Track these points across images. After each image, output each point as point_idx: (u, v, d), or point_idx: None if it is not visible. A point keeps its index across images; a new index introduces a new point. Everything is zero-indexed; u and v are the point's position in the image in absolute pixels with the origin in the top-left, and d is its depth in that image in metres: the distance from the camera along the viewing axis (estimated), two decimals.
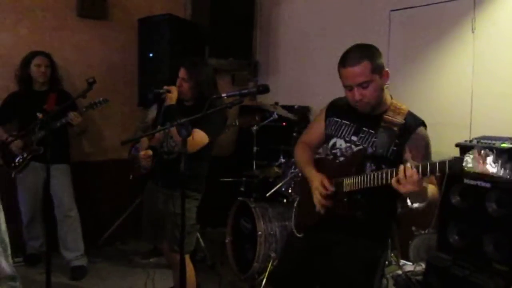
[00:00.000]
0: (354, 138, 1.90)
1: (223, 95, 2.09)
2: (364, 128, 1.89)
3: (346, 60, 1.81)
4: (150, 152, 2.62)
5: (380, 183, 1.68)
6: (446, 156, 2.54)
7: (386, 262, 2.82)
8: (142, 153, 2.64)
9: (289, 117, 3.70)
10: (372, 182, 1.71)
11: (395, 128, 1.81)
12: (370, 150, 1.84)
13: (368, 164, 1.85)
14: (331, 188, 1.84)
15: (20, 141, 3.22)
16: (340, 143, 1.94)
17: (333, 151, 1.96)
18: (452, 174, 1.62)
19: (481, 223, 2.53)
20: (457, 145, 2.72)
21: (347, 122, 1.95)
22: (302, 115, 3.92)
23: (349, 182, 1.80)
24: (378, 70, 1.80)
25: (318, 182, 1.88)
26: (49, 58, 3.41)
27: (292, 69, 4.39)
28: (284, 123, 3.90)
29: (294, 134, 3.66)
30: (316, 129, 2.11)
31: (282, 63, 4.53)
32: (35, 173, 3.30)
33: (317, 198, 1.87)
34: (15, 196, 3.43)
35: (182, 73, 2.54)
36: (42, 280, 2.61)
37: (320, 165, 2.01)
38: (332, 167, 1.93)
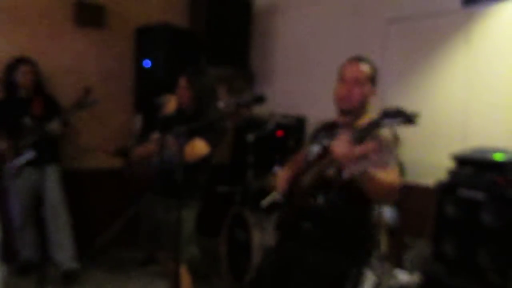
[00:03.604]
0: (325, 141, 1.98)
1: (221, 104, 2.10)
2: (335, 133, 1.96)
3: (354, 57, 1.97)
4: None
5: (322, 168, 1.79)
6: (442, 166, 2.57)
7: (374, 278, 2.78)
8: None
9: (287, 123, 3.72)
10: (317, 169, 1.81)
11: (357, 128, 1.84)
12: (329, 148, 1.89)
13: None
14: (288, 174, 2.06)
15: (11, 149, 3.21)
16: (315, 148, 2.03)
17: (309, 155, 2.04)
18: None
19: (476, 234, 2.54)
20: (451, 156, 2.74)
21: (324, 132, 2.07)
22: (298, 124, 3.94)
23: (305, 177, 1.91)
24: (372, 82, 1.95)
25: (282, 171, 2.12)
26: (33, 65, 3.41)
27: (288, 78, 4.41)
28: (279, 133, 3.91)
29: (290, 143, 3.68)
30: (304, 151, 2.19)
31: (278, 72, 4.55)
32: (25, 177, 3.28)
33: (278, 183, 2.09)
34: (6, 203, 3.41)
35: (182, 82, 2.55)
36: None
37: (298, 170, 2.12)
38: (303, 169, 2.01)
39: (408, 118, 1.51)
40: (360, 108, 1.93)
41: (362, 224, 1.93)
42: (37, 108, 3.29)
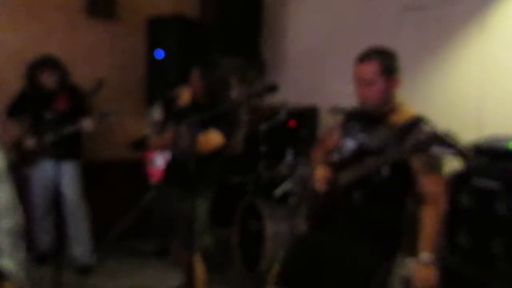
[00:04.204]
0: (360, 136, 1.94)
1: (233, 94, 2.10)
2: (369, 127, 1.93)
3: (359, 57, 1.91)
4: None
5: (366, 171, 1.76)
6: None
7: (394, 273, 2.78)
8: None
9: (299, 111, 3.72)
10: (359, 171, 1.78)
11: (395, 127, 1.81)
12: (368, 147, 1.88)
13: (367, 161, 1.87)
14: (329, 173, 1.96)
15: (33, 138, 3.29)
16: (348, 142, 1.99)
17: (342, 150, 1.99)
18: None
19: (490, 224, 2.52)
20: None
21: (356, 123, 2.01)
22: (310, 114, 3.93)
23: (343, 175, 1.88)
24: (387, 73, 1.86)
25: (320, 169, 2.02)
26: (57, 66, 3.41)
27: (299, 68, 4.38)
28: (291, 123, 3.90)
29: (302, 133, 3.67)
30: (334, 135, 2.16)
31: (290, 61, 4.52)
32: (46, 169, 3.34)
33: (317, 180, 1.99)
34: (27, 192, 3.47)
35: (195, 73, 2.55)
36: (50, 278, 2.64)
37: (328, 164, 2.07)
38: (337, 164, 1.97)
39: (461, 153, 1.45)
40: (384, 104, 1.90)
41: (398, 219, 1.94)
42: (61, 103, 3.31)
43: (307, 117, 3.85)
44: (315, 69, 4.20)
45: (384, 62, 1.87)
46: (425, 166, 1.76)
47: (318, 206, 2.03)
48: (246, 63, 4.55)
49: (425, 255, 1.77)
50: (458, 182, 2.69)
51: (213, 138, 2.39)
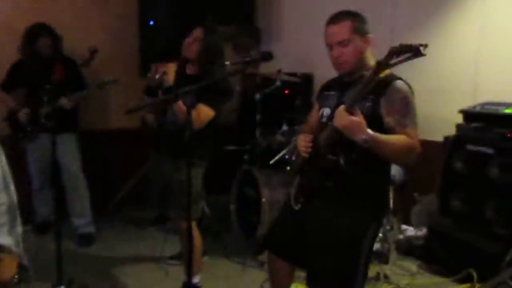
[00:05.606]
0: (338, 103, 1.92)
1: (227, 63, 2.08)
2: (346, 93, 1.91)
3: (330, 19, 1.91)
4: None
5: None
6: (452, 121, 2.52)
7: (380, 234, 2.78)
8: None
9: (293, 81, 3.68)
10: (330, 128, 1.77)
11: (370, 84, 1.77)
12: (342, 104, 1.83)
13: None
14: (309, 137, 1.95)
15: (28, 110, 3.28)
16: (326, 111, 1.98)
17: (322, 120, 1.99)
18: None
19: (483, 188, 2.56)
20: (460, 111, 2.72)
21: (333, 92, 2.00)
22: (305, 82, 3.90)
23: (321, 136, 1.88)
24: (360, 32, 1.86)
25: (301, 137, 2.01)
26: (51, 33, 3.36)
27: (295, 36, 4.33)
28: (287, 91, 3.87)
29: (297, 101, 3.66)
30: (314, 111, 2.16)
31: (285, 29, 4.46)
32: (42, 142, 3.34)
33: (300, 147, 1.98)
34: (25, 164, 3.49)
35: (197, 32, 2.50)
36: (50, 248, 2.68)
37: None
38: (317, 132, 1.97)
39: (416, 51, 1.47)
40: (359, 65, 1.87)
41: (381, 181, 1.95)
42: (58, 73, 3.28)
43: (302, 85, 3.83)
44: (310, 38, 4.14)
45: (356, 22, 1.87)
46: (399, 123, 1.75)
47: (307, 175, 2.02)
48: (240, 31, 4.48)
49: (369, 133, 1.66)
50: (452, 147, 2.72)
51: (204, 113, 2.38)
